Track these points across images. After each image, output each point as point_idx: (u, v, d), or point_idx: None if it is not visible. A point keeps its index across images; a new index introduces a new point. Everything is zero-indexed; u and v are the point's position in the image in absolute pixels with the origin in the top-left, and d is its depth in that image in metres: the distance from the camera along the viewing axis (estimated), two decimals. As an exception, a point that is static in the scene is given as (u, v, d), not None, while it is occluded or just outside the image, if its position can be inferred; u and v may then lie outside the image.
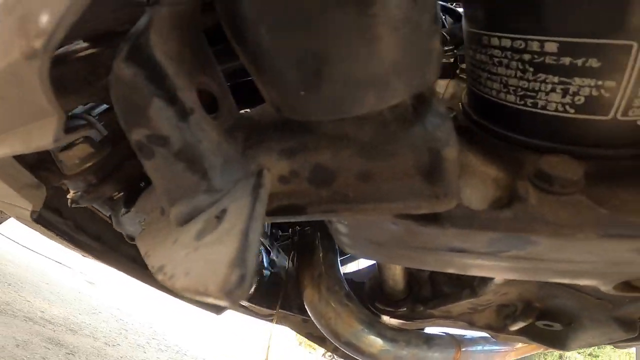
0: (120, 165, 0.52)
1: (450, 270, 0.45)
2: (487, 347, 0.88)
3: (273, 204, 0.36)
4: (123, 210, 0.55)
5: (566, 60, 0.37)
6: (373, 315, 0.79)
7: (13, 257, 2.73)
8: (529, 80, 0.40)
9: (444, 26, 0.78)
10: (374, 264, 0.89)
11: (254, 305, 0.95)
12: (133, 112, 0.28)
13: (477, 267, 0.43)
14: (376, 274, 0.83)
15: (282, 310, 0.93)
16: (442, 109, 0.34)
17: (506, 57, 0.40)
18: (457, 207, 0.36)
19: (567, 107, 0.39)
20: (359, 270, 0.95)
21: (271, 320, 0.99)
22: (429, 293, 0.76)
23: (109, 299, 3.01)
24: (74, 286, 2.92)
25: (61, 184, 0.56)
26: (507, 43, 0.40)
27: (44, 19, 0.25)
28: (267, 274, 0.96)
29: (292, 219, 0.37)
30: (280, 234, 1.11)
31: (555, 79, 0.38)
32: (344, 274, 0.85)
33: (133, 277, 0.84)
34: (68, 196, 0.53)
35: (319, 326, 0.80)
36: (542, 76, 0.39)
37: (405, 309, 0.76)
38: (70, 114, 0.46)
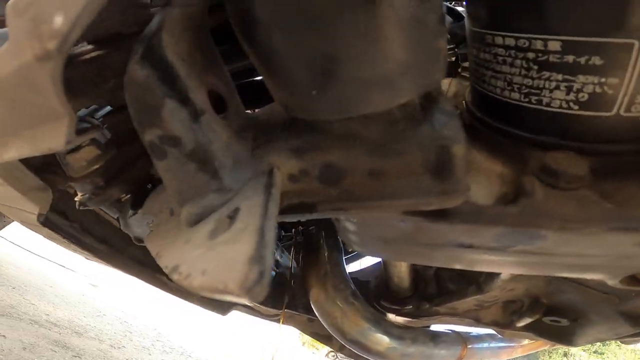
0: (127, 168, 0.52)
1: (459, 266, 0.45)
2: (493, 344, 0.88)
3: (283, 202, 0.36)
4: (131, 212, 0.55)
5: (569, 58, 0.37)
6: (379, 313, 0.79)
7: (15, 261, 2.73)
8: (533, 78, 0.40)
9: (445, 25, 0.78)
10: (379, 262, 0.89)
11: (259, 306, 0.95)
12: (147, 113, 0.29)
13: (485, 263, 0.44)
14: (381, 272, 0.83)
15: (287, 310, 0.93)
16: (449, 106, 0.35)
17: (510, 56, 0.41)
18: (464, 203, 0.37)
19: (571, 104, 0.39)
20: (363, 269, 0.96)
21: (277, 321, 0.99)
22: (435, 290, 0.76)
23: (112, 301, 3.02)
24: (77, 289, 2.92)
25: (67, 187, 0.56)
26: (511, 42, 0.40)
27: (59, 20, 0.25)
28: (272, 274, 0.96)
29: (302, 218, 0.37)
30: (283, 234, 1.11)
31: (559, 77, 0.39)
32: (348, 272, 0.85)
33: (140, 279, 0.84)
34: (76, 199, 0.54)
35: (325, 325, 0.80)
36: (546, 74, 0.39)
37: (410, 306, 0.77)
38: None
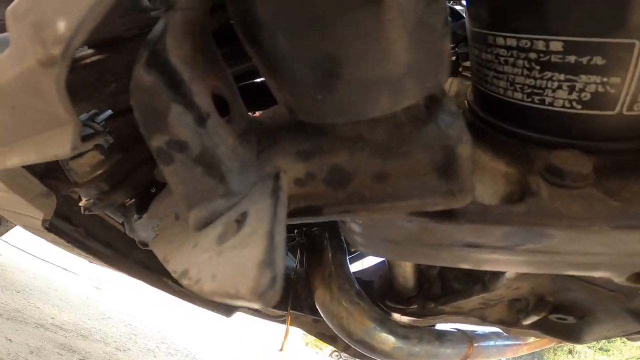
0: (131, 172, 0.52)
1: (466, 266, 0.45)
2: (499, 342, 0.88)
3: (290, 206, 0.36)
4: (135, 216, 0.55)
5: (571, 58, 0.37)
6: (384, 313, 0.79)
7: (19, 265, 2.73)
8: (535, 78, 0.40)
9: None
10: (382, 261, 0.89)
11: (265, 307, 0.95)
12: (153, 119, 0.29)
13: (492, 262, 0.44)
14: (386, 272, 0.83)
15: (293, 311, 0.93)
16: (453, 107, 0.35)
17: (512, 56, 0.41)
18: (470, 203, 0.37)
19: (574, 104, 0.39)
20: (366, 269, 0.96)
21: (282, 322, 0.99)
22: (439, 290, 0.76)
23: (116, 304, 3.02)
24: (81, 292, 2.92)
25: (71, 192, 0.56)
26: (512, 42, 0.40)
27: (62, 25, 0.25)
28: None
29: (309, 220, 0.37)
30: (287, 235, 1.11)
31: (562, 77, 0.39)
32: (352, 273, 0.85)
33: (145, 282, 0.84)
34: (80, 204, 0.54)
35: (331, 325, 0.80)
36: (549, 74, 0.39)
37: (415, 306, 0.77)
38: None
